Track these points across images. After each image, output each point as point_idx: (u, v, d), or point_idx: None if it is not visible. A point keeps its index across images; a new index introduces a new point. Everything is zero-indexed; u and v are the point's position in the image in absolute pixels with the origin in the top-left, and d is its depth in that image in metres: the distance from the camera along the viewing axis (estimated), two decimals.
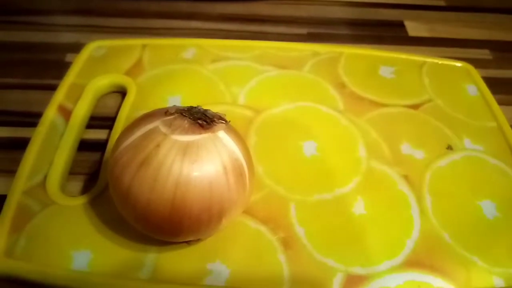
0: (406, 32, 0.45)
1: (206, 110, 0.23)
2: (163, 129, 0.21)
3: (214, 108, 0.32)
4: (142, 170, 0.21)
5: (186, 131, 0.21)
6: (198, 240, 0.25)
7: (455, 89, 0.36)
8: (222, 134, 0.22)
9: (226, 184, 0.21)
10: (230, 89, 0.34)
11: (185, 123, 0.22)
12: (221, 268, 0.24)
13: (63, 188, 0.28)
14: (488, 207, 0.28)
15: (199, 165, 0.21)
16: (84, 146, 0.31)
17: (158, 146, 0.21)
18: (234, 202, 0.22)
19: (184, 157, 0.21)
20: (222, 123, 0.23)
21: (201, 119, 0.22)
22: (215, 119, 0.22)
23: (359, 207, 0.28)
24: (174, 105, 0.23)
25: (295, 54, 0.38)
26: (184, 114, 0.22)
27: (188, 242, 0.25)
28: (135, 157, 0.21)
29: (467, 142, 0.32)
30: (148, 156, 0.21)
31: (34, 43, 0.40)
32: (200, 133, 0.21)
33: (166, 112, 0.22)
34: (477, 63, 0.39)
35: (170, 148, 0.21)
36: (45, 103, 0.32)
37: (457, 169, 0.30)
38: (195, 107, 0.23)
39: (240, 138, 0.24)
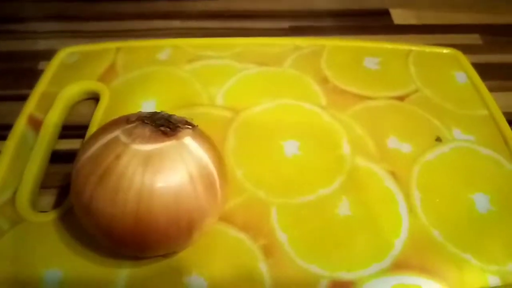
0: (391, 20, 0.43)
1: (170, 116, 0.21)
2: (123, 138, 0.20)
3: (190, 111, 0.31)
4: (103, 183, 0.19)
5: (147, 140, 0.20)
6: (173, 253, 0.24)
7: (443, 77, 0.35)
8: (188, 141, 0.21)
9: (194, 194, 0.20)
10: (207, 90, 0.33)
11: (147, 131, 0.20)
12: (199, 281, 0.23)
13: (34, 204, 0.27)
14: (480, 201, 0.27)
15: (162, 176, 0.19)
16: (57, 157, 0.30)
17: (118, 157, 0.20)
18: (204, 212, 0.21)
19: (146, 168, 0.19)
20: (189, 128, 0.21)
21: (164, 125, 0.20)
22: (179, 125, 0.21)
23: (343, 208, 0.26)
24: (139, 112, 0.22)
25: (276, 49, 0.36)
26: (146, 121, 0.21)
27: (163, 255, 0.23)
28: (95, 169, 0.20)
29: (456, 132, 0.31)
30: (108, 168, 0.19)
31: (8, 52, 0.39)
32: (163, 141, 0.20)
33: (127, 120, 0.21)
34: (467, 48, 0.37)
35: (130, 158, 0.19)
36: (17, 114, 0.31)
37: (447, 161, 0.29)
38: (158, 112, 0.21)
39: (210, 143, 0.22)
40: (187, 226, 0.20)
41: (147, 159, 0.20)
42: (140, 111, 0.22)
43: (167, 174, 0.19)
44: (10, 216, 0.26)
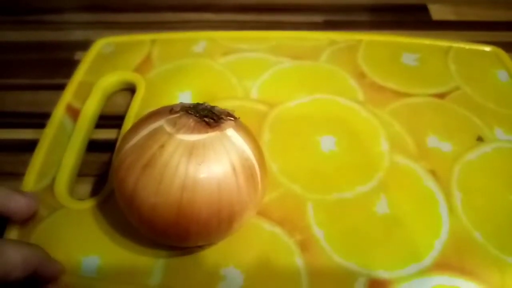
0: (429, 16, 0.42)
1: (213, 107, 0.21)
2: (168, 128, 0.20)
3: (226, 103, 0.31)
4: (147, 173, 0.19)
5: (191, 130, 0.20)
6: (210, 244, 0.24)
7: (484, 76, 0.34)
8: (230, 132, 0.21)
9: (236, 185, 0.20)
10: (242, 83, 0.32)
11: (191, 121, 0.20)
12: (235, 274, 0.23)
13: (72, 191, 0.27)
14: None
15: (206, 166, 0.19)
16: (93, 146, 0.30)
17: (162, 146, 0.20)
18: (245, 204, 0.20)
19: (190, 158, 0.19)
20: (231, 120, 0.21)
21: (208, 116, 0.20)
22: (223, 116, 0.21)
23: (382, 206, 0.26)
24: (181, 102, 0.22)
25: (311, 43, 0.36)
26: (189, 111, 0.21)
27: (200, 246, 0.23)
28: (139, 158, 0.20)
29: (498, 132, 0.30)
30: (152, 157, 0.19)
31: (45, 42, 0.40)
32: (207, 132, 0.20)
33: (171, 110, 0.21)
34: (507, 46, 0.36)
35: (175, 148, 0.19)
36: (55, 103, 0.32)
37: (489, 162, 0.28)
38: (202, 103, 0.21)
39: (251, 135, 0.22)
40: (228, 218, 0.20)
41: (191, 150, 0.19)
42: (182, 102, 0.22)
43: (211, 165, 0.19)
44: (49, 202, 0.26)
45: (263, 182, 0.22)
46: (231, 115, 0.21)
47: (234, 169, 0.20)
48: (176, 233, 0.20)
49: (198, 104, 0.21)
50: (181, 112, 0.21)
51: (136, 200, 0.20)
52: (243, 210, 0.21)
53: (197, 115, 0.20)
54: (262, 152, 0.23)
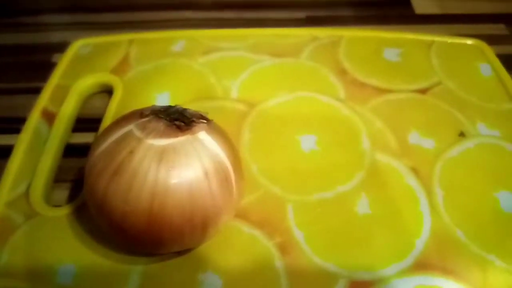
0: (412, 9, 0.41)
1: (185, 110, 0.21)
2: (137, 133, 0.19)
3: (205, 104, 0.31)
4: (116, 179, 0.19)
5: (161, 134, 0.19)
6: (187, 250, 0.23)
7: (467, 70, 0.33)
8: (203, 136, 0.20)
9: (209, 190, 0.19)
10: (221, 83, 0.32)
11: (161, 125, 0.20)
12: (213, 279, 0.23)
13: (48, 198, 0.27)
14: (506, 199, 0.26)
15: (176, 171, 0.19)
16: (70, 151, 0.30)
17: (131, 152, 0.19)
18: (219, 209, 0.20)
19: (160, 164, 0.19)
20: (203, 122, 0.21)
21: (179, 119, 0.20)
22: (194, 119, 0.20)
23: (363, 206, 0.25)
24: (152, 105, 0.21)
25: (292, 40, 0.35)
26: (160, 115, 0.20)
27: (177, 252, 0.23)
28: (108, 165, 0.19)
29: (481, 127, 0.29)
30: (122, 163, 0.19)
31: (22, 45, 0.39)
32: (177, 136, 0.19)
33: (141, 114, 0.20)
34: (491, 39, 0.36)
35: (144, 154, 0.19)
36: (31, 107, 0.31)
37: (471, 158, 0.28)
38: (173, 106, 0.21)
39: (225, 138, 0.22)
40: (201, 223, 0.20)
41: (161, 155, 0.19)
42: (153, 105, 0.21)
43: (182, 170, 0.19)
44: (24, 210, 0.25)
45: (238, 186, 0.21)
46: (204, 118, 0.21)
47: (206, 173, 0.19)
48: (149, 241, 0.20)
49: (169, 107, 0.21)
50: (151, 116, 0.20)
51: (106, 208, 0.19)
52: (217, 215, 0.20)
53: (168, 118, 0.20)
54: (238, 155, 0.22)
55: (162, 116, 0.20)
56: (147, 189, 0.18)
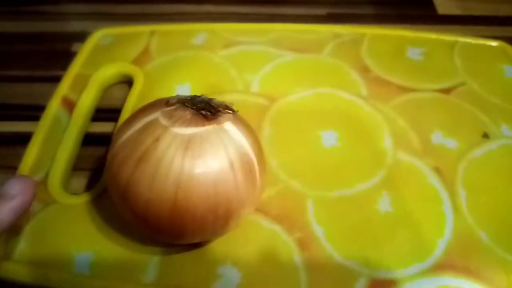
0: (435, 10, 0.41)
1: (211, 99, 0.20)
2: (163, 121, 0.19)
3: (225, 97, 0.31)
4: (140, 167, 0.19)
5: (188, 123, 0.19)
6: (206, 241, 0.23)
7: (491, 71, 0.33)
8: (228, 126, 0.20)
9: (233, 181, 0.19)
10: (242, 76, 0.32)
11: (187, 114, 0.19)
12: (232, 272, 0.22)
13: (66, 186, 0.27)
14: None
15: (202, 161, 0.19)
16: (89, 140, 0.30)
17: (157, 140, 0.19)
18: (242, 201, 0.20)
19: (185, 152, 0.18)
20: (229, 113, 0.20)
21: (205, 109, 0.20)
22: (220, 109, 0.20)
23: (384, 204, 0.25)
24: (177, 95, 0.21)
25: (314, 36, 0.35)
26: (186, 104, 0.20)
27: (196, 243, 0.23)
28: (132, 152, 0.19)
29: (505, 129, 0.29)
30: (147, 151, 0.19)
31: (42, 33, 0.39)
32: (204, 125, 0.19)
33: (167, 102, 0.20)
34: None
35: (170, 142, 0.19)
36: (51, 95, 0.31)
37: (494, 159, 0.27)
38: (199, 96, 0.20)
39: (250, 129, 0.21)
40: (224, 215, 0.19)
41: (187, 143, 0.19)
42: (178, 95, 0.21)
43: (207, 159, 0.19)
44: (42, 197, 0.25)
45: (261, 178, 0.21)
46: (230, 108, 0.21)
47: (231, 164, 0.19)
48: (171, 230, 0.19)
49: (195, 96, 0.20)
50: (178, 105, 0.20)
51: (129, 196, 0.19)
52: (240, 207, 0.20)
53: (194, 107, 0.20)
54: (261, 147, 0.22)
55: (189, 105, 0.20)
56: (172, 178, 0.18)
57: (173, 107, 0.20)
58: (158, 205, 0.19)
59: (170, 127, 0.19)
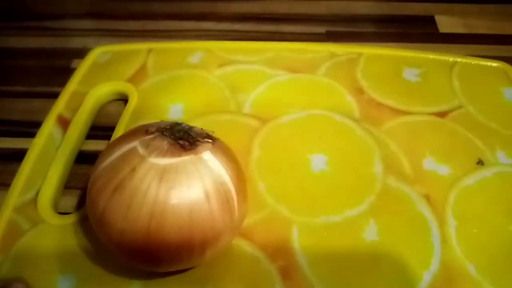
0: (437, 28, 0.40)
1: (191, 128, 0.20)
2: (141, 150, 0.19)
3: (217, 118, 0.31)
4: (116, 196, 0.19)
5: (164, 153, 0.19)
6: (188, 268, 0.23)
7: (490, 93, 0.32)
8: (207, 156, 0.20)
9: (209, 212, 0.19)
10: (235, 96, 0.32)
11: (165, 143, 0.19)
12: None
13: (56, 205, 0.27)
14: None
15: (177, 192, 0.19)
16: (83, 158, 0.30)
17: (133, 170, 0.19)
18: (218, 231, 0.20)
19: (160, 183, 0.19)
20: (209, 142, 0.20)
21: (183, 138, 0.20)
22: (199, 139, 0.20)
23: (370, 232, 0.25)
24: (161, 121, 0.21)
25: (310, 56, 0.35)
26: (164, 133, 0.20)
27: (179, 270, 0.23)
28: (110, 181, 0.19)
29: (501, 155, 0.28)
30: (123, 181, 0.19)
31: (43, 49, 0.39)
32: (180, 155, 0.19)
33: (146, 130, 0.20)
34: None
35: (146, 172, 0.19)
36: (48, 112, 0.31)
37: (488, 187, 0.27)
38: (179, 123, 0.20)
39: (230, 158, 0.21)
40: (200, 245, 0.19)
41: (162, 174, 0.19)
42: (161, 121, 0.21)
43: (182, 190, 0.19)
44: (32, 216, 0.26)
45: (240, 208, 0.21)
46: (210, 137, 0.21)
47: (207, 195, 0.19)
48: (146, 259, 0.19)
49: (175, 124, 0.20)
50: (156, 133, 0.20)
51: (105, 224, 0.19)
52: (216, 237, 0.20)
53: (172, 137, 0.20)
54: (243, 175, 0.22)
55: (167, 134, 0.20)
56: (146, 208, 0.18)
57: (152, 135, 0.20)
58: (132, 235, 0.19)
59: (147, 157, 0.19)
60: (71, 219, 0.26)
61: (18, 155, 0.29)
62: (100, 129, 0.32)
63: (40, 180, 0.27)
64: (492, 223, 0.25)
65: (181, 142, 0.19)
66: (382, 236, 0.24)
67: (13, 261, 0.24)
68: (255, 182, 0.27)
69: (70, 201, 0.28)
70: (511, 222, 0.25)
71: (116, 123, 0.31)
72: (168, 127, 0.20)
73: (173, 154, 0.19)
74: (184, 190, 0.19)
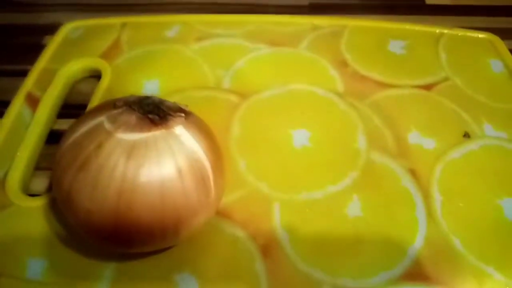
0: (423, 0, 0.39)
1: (161, 101, 0.19)
2: (107, 125, 0.18)
3: (195, 93, 0.29)
4: (81, 175, 0.18)
5: (132, 128, 0.18)
6: (164, 248, 0.22)
7: (477, 65, 0.31)
8: (180, 130, 0.19)
9: (182, 190, 0.18)
10: (214, 71, 0.30)
11: (133, 118, 0.18)
12: (190, 280, 0.21)
13: (26, 187, 0.26)
14: (510, 207, 0.24)
15: (147, 169, 0.17)
16: (55, 137, 0.29)
17: (99, 146, 0.18)
18: (193, 210, 0.19)
19: (128, 160, 0.17)
20: (181, 116, 0.19)
21: (153, 112, 0.18)
22: (171, 112, 0.19)
23: (354, 208, 0.24)
24: (129, 95, 0.20)
25: (292, 28, 0.33)
26: (133, 107, 0.19)
27: (153, 251, 0.22)
28: (75, 159, 0.18)
29: (487, 128, 0.27)
30: (88, 158, 0.18)
31: (13, 25, 0.37)
32: (150, 130, 0.18)
33: (114, 104, 0.19)
34: (505, 33, 0.33)
35: (113, 148, 0.18)
36: (17, 91, 0.30)
37: (474, 161, 0.26)
38: (149, 97, 0.19)
39: (206, 133, 0.20)
40: (173, 224, 0.18)
41: (131, 150, 0.18)
42: (130, 95, 0.20)
43: (152, 167, 0.17)
44: (0, 199, 0.24)
45: (217, 185, 0.20)
46: (183, 110, 0.19)
47: (180, 171, 0.18)
48: (116, 240, 0.18)
49: (144, 97, 0.19)
50: (124, 107, 0.19)
51: (71, 204, 0.18)
52: (191, 216, 0.19)
53: (141, 111, 0.18)
54: (219, 152, 0.21)
55: (135, 108, 0.18)
56: (113, 187, 0.17)
57: (120, 110, 0.19)
58: (99, 216, 0.18)
59: (114, 133, 0.18)
60: (41, 201, 0.24)
61: None
62: (73, 107, 0.30)
63: (8, 161, 0.26)
64: (478, 197, 0.24)
65: (150, 116, 0.18)
66: (365, 212, 0.24)
67: None
68: (235, 160, 0.26)
69: (42, 183, 0.27)
70: (497, 195, 0.24)
71: (89, 101, 0.29)
72: (136, 101, 0.19)
73: (142, 129, 0.18)
74: (154, 167, 0.17)
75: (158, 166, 0.18)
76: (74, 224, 0.19)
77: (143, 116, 0.18)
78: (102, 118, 0.18)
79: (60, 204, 0.19)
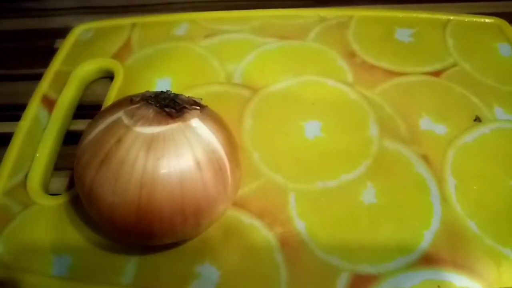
0: None
1: (176, 95, 0.20)
2: (126, 120, 0.19)
3: (206, 89, 0.30)
4: (103, 169, 0.18)
5: (150, 122, 0.18)
6: (184, 240, 0.22)
7: (485, 50, 0.31)
8: (196, 123, 0.19)
9: (201, 181, 0.18)
10: (224, 67, 0.31)
11: (150, 112, 0.19)
12: (211, 270, 0.22)
13: (46, 186, 0.26)
14: None
15: (166, 161, 0.18)
16: (72, 138, 0.29)
17: (119, 141, 0.18)
18: (212, 200, 0.19)
19: (148, 153, 0.18)
20: (196, 109, 0.20)
21: (169, 106, 0.19)
22: (186, 106, 0.19)
23: (368, 195, 0.24)
24: (146, 91, 0.21)
25: (299, 21, 0.34)
26: (150, 101, 0.19)
27: (174, 243, 0.22)
28: (96, 154, 0.18)
29: (498, 111, 0.28)
30: (109, 153, 0.18)
31: (25, 30, 0.38)
32: (168, 123, 0.19)
33: (131, 100, 0.19)
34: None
35: (132, 142, 0.18)
36: (32, 94, 0.30)
37: (486, 144, 0.26)
38: (164, 92, 0.20)
39: (221, 125, 0.21)
40: (194, 215, 0.19)
41: (150, 143, 0.18)
42: (146, 91, 0.21)
43: (171, 159, 0.18)
44: (22, 199, 0.25)
45: (234, 176, 0.20)
46: (198, 104, 0.20)
47: (198, 163, 0.18)
48: (139, 232, 0.19)
49: (160, 92, 0.20)
50: (141, 103, 0.19)
51: (94, 199, 0.18)
52: (210, 207, 0.19)
53: (158, 105, 0.19)
54: (235, 143, 0.21)
55: (152, 103, 0.19)
56: (134, 180, 0.18)
57: (137, 105, 0.19)
58: (122, 208, 0.18)
59: (132, 127, 0.18)
60: (62, 199, 0.25)
61: (5, 140, 0.28)
62: (88, 108, 0.31)
63: (28, 162, 0.27)
64: (492, 179, 0.25)
65: (167, 109, 0.19)
66: (380, 199, 0.24)
67: (5, 245, 0.23)
68: (249, 152, 0.26)
69: (61, 182, 0.27)
70: (511, 177, 0.25)
71: (103, 101, 0.30)
72: (153, 96, 0.19)
73: (159, 122, 0.18)
74: (173, 159, 0.18)
75: (177, 158, 0.18)
76: (97, 218, 0.19)
77: (160, 110, 0.19)
78: (120, 114, 0.19)
79: (83, 200, 0.20)
